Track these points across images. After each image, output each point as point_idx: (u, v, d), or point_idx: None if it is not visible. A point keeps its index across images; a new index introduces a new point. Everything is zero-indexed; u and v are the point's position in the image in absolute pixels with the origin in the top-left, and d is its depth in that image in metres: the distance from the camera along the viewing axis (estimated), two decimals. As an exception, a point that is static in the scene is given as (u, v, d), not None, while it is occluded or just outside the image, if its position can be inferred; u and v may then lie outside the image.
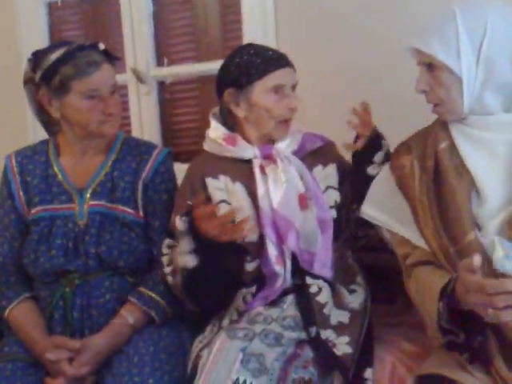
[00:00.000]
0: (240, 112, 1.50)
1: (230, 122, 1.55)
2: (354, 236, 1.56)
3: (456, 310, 1.14)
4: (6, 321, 1.49)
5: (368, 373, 1.33)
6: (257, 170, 1.48)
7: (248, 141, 1.52)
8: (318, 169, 1.54)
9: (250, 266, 1.47)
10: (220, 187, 1.51)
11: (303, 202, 1.47)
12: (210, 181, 1.51)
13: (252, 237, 1.46)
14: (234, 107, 1.50)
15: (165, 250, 1.50)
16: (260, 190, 1.46)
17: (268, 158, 1.49)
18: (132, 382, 1.31)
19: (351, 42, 1.99)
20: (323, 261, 1.45)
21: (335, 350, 1.33)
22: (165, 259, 1.48)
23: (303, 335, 1.36)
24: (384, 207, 1.35)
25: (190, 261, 1.37)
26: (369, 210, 1.38)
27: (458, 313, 1.14)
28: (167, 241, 1.50)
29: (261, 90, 1.46)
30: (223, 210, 1.47)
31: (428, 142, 1.31)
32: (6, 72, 2.43)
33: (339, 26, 2.00)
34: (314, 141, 1.57)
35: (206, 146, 1.58)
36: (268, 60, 1.46)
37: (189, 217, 1.37)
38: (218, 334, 1.34)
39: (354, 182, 1.51)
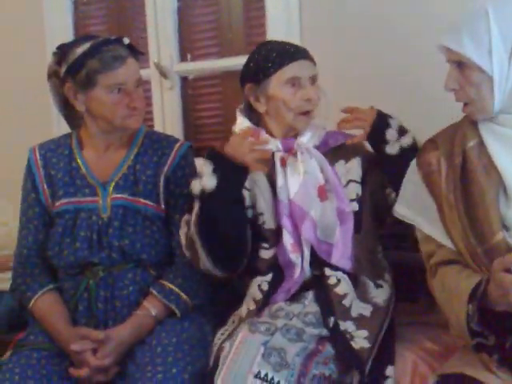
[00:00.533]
0: (260, 106, 1.52)
1: (254, 117, 1.57)
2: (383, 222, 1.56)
3: (487, 312, 1.13)
4: (31, 311, 1.52)
5: (389, 370, 1.33)
6: (278, 163, 1.50)
7: (271, 135, 1.53)
8: (340, 163, 1.54)
9: (267, 254, 1.49)
10: None
11: (323, 193, 1.48)
12: None
13: (270, 225, 1.49)
14: (254, 102, 1.53)
15: (182, 224, 1.51)
16: (279, 182, 1.49)
17: (290, 151, 1.51)
18: (155, 372, 1.33)
19: (376, 37, 1.97)
20: (342, 252, 1.46)
21: (353, 343, 1.33)
22: (182, 232, 1.49)
23: (324, 332, 1.36)
24: (412, 205, 1.34)
25: (210, 182, 1.40)
26: (399, 208, 1.37)
27: (488, 314, 1.13)
28: (186, 216, 1.51)
29: (277, 83, 1.48)
30: (244, 195, 1.51)
31: (456, 139, 1.29)
32: (32, 66, 2.47)
33: (364, 21, 1.99)
34: (337, 137, 1.57)
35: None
36: (283, 53, 1.48)
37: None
38: (239, 326, 1.35)
39: (382, 167, 1.52)
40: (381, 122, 1.48)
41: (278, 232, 1.49)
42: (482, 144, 1.26)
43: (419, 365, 1.37)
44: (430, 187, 1.30)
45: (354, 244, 1.48)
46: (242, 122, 1.57)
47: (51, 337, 1.47)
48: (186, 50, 2.42)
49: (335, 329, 1.35)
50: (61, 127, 2.26)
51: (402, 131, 1.48)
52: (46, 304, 1.50)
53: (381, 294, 1.47)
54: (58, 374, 1.41)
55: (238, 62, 2.29)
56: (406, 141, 1.47)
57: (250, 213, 1.53)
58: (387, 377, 1.32)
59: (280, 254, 1.48)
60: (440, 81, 1.29)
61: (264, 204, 1.51)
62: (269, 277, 1.48)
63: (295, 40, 1.99)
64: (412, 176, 1.35)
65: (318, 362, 1.30)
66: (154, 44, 2.39)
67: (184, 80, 2.45)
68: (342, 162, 1.54)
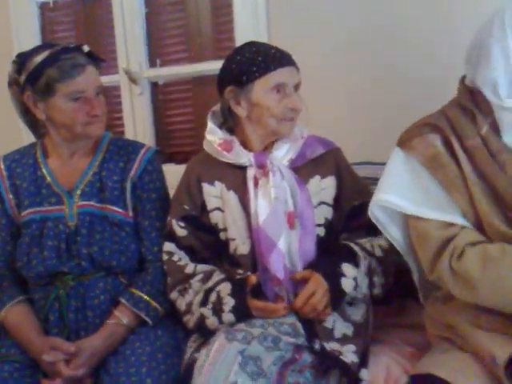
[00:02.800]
0: (241, 111, 1.46)
1: (231, 120, 1.52)
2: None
3: None
4: (1, 324, 1.50)
5: (363, 373, 1.33)
6: (250, 183, 1.45)
7: (248, 140, 1.49)
8: (315, 180, 1.49)
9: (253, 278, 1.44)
10: (215, 194, 1.50)
11: (291, 220, 1.43)
12: (206, 187, 1.51)
13: (242, 251, 1.45)
14: (234, 105, 1.46)
15: (165, 256, 1.51)
16: (252, 206, 1.44)
17: (262, 167, 1.45)
18: (130, 382, 1.32)
19: (342, 40, 2.01)
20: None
21: (343, 358, 1.32)
22: (175, 296, 1.47)
23: (301, 340, 1.33)
24: (408, 194, 1.30)
25: (230, 318, 1.37)
26: (392, 198, 1.31)
27: None
28: (167, 244, 1.51)
29: (262, 89, 1.42)
30: (216, 217, 1.48)
31: (457, 122, 1.28)
32: (0, 74, 2.43)
33: (330, 25, 2.01)
34: (316, 148, 1.51)
35: (205, 146, 1.55)
36: (269, 58, 1.42)
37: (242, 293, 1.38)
38: (215, 335, 1.32)
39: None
40: (333, 281, 1.37)
41: (251, 257, 1.44)
42: (496, 124, 1.25)
43: (392, 367, 1.38)
44: (435, 170, 1.27)
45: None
46: (212, 130, 1.52)
47: (23, 348, 1.44)
48: (156, 55, 2.42)
49: (322, 351, 1.33)
50: (30, 137, 2.24)
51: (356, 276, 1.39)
52: (17, 315, 1.48)
53: (356, 311, 1.44)
54: (31, 387, 1.38)
55: (208, 67, 2.32)
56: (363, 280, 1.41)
57: (222, 236, 1.49)
58: (361, 380, 1.32)
59: (263, 284, 1.41)
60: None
61: (235, 229, 1.46)
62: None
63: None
64: (404, 166, 1.31)
65: (294, 371, 1.29)
66: (123, 50, 2.38)
67: (154, 85, 2.44)
68: (317, 177, 1.49)
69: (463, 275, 1.21)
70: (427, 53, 1.87)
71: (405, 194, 1.30)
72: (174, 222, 1.52)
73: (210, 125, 1.53)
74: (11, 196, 1.55)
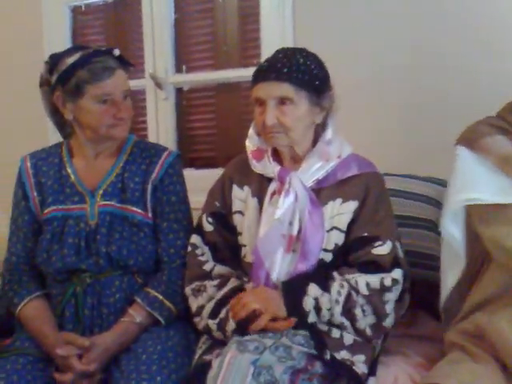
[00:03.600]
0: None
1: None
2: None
3: None
4: (18, 318, 1.53)
5: (371, 382, 1.34)
6: (267, 197, 1.46)
7: (276, 156, 1.50)
8: (336, 203, 1.44)
9: (249, 287, 1.46)
10: (241, 198, 1.52)
11: (290, 244, 1.42)
12: (235, 189, 1.54)
13: (249, 259, 1.46)
14: None
15: (189, 248, 1.54)
16: (262, 221, 1.45)
17: (282, 183, 1.44)
18: (140, 379, 1.33)
19: (370, 50, 2.01)
20: None
21: (355, 368, 1.32)
22: (189, 293, 1.50)
23: (313, 351, 1.33)
24: (488, 189, 1.28)
25: (233, 337, 1.37)
26: (472, 195, 1.28)
27: None
28: (193, 237, 1.54)
29: (253, 101, 1.47)
30: (237, 220, 1.51)
31: None
32: (30, 75, 2.48)
33: (358, 34, 2.03)
34: (349, 169, 1.46)
35: (247, 149, 1.56)
36: (255, 73, 1.45)
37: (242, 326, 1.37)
38: (227, 346, 1.31)
39: None
40: (292, 297, 1.37)
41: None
42: None
43: (400, 376, 1.39)
44: (510, 170, 1.27)
45: None
46: (250, 136, 1.53)
47: (37, 342, 1.47)
48: (182, 61, 2.46)
49: (333, 361, 1.33)
50: (56, 136, 2.29)
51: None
52: (33, 310, 1.51)
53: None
54: (43, 380, 1.41)
55: (233, 74, 2.35)
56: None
57: (240, 240, 1.51)
58: None
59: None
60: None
61: (248, 235, 1.48)
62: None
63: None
64: (476, 165, 1.30)
65: (304, 379, 1.29)
66: (150, 55, 2.43)
67: (179, 91, 2.48)
68: (338, 200, 1.44)
69: None
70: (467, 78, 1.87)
71: (484, 189, 1.28)
72: (204, 216, 1.56)
73: (251, 130, 1.54)
74: (35, 194, 1.59)
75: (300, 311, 1.36)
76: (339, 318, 1.37)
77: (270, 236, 1.42)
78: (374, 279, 1.38)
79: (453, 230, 1.34)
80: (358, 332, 1.38)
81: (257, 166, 1.51)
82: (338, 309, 1.36)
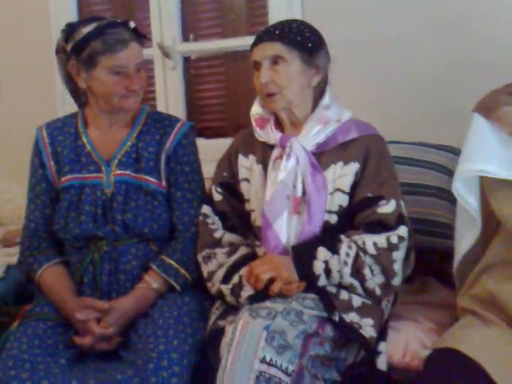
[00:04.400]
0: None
1: None
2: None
3: None
4: (37, 283, 1.56)
5: (381, 346, 1.37)
6: (271, 163, 1.50)
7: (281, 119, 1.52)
8: (337, 166, 1.47)
9: (261, 251, 1.50)
10: (246, 166, 1.56)
11: (296, 205, 1.45)
12: (241, 158, 1.58)
13: (259, 223, 1.49)
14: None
15: (200, 218, 1.58)
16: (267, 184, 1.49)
17: (283, 148, 1.48)
18: (157, 343, 1.36)
19: (382, 20, 1.99)
20: None
21: (362, 332, 1.35)
22: (200, 260, 1.53)
23: (324, 313, 1.36)
24: (502, 161, 1.28)
25: (246, 303, 1.40)
26: (485, 167, 1.28)
27: None
28: (204, 207, 1.58)
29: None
30: (243, 187, 1.54)
31: None
32: (37, 45, 2.49)
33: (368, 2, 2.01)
34: (349, 133, 1.49)
35: (251, 118, 1.59)
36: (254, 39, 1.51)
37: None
38: (240, 313, 1.34)
39: None
40: (302, 262, 1.40)
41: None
42: None
43: (411, 341, 1.41)
44: None
45: None
46: (255, 104, 1.57)
47: (57, 307, 1.51)
48: (189, 30, 2.44)
49: (342, 322, 1.35)
50: (65, 107, 2.30)
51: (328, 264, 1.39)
52: (52, 276, 1.54)
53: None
54: (63, 343, 1.45)
55: (241, 42, 2.33)
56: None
57: (247, 206, 1.55)
58: (380, 352, 1.36)
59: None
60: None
61: (255, 201, 1.52)
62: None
63: (297, 18, 2.01)
64: (491, 134, 1.29)
65: (315, 343, 1.32)
66: (157, 24, 2.42)
67: (186, 60, 2.47)
68: (340, 163, 1.47)
69: None
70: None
71: (498, 161, 1.28)
72: (213, 187, 1.60)
73: (256, 100, 1.58)
74: (52, 162, 1.61)
75: (310, 275, 1.39)
76: (349, 279, 1.40)
77: (275, 198, 1.45)
78: (381, 238, 1.41)
79: (468, 196, 1.34)
80: (367, 292, 1.41)
81: (260, 135, 1.54)
82: (347, 270, 1.39)
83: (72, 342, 1.45)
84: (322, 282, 1.40)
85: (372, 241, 1.40)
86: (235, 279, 1.46)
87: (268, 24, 2.17)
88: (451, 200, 1.56)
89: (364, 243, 1.40)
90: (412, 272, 1.49)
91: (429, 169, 1.74)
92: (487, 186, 1.32)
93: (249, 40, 2.25)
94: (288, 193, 1.45)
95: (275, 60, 1.46)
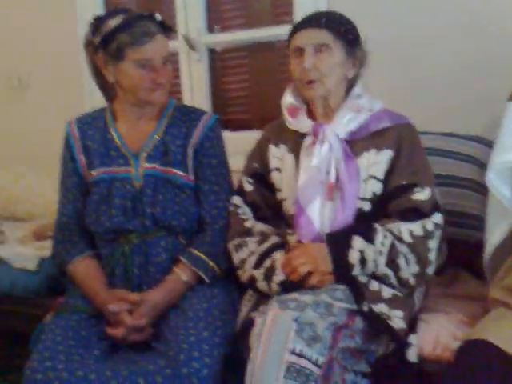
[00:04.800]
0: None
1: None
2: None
3: None
4: (70, 276, 1.59)
5: (412, 338, 1.36)
6: (303, 151, 1.50)
7: (314, 108, 1.53)
8: (370, 153, 1.47)
9: (293, 239, 1.50)
10: (277, 156, 1.57)
11: (330, 192, 1.45)
12: (271, 148, 1.58)
13: (291, 211, 1.49)
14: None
15: (231, 208, 1.59)
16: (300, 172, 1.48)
17: (316, 136, 1.48)
18: (188, 335, 1.38)
19: (404, 11, 1.96)
20: None
21: (391, 323, 1.34)
22: (231, 249, 1.54)
23: (354, 306, 1.36)
24: None
25: (277, 289, 1.41)
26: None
27: None
28: (235, 198, 1.59)
29: (290, 53, 1.51)
30: (275, 177, 1.54)
31: None
32: (65, 39, 2.51)
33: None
34: (382, 121, 1.49)
35: (282, 110, 1.59)
36: (295, 24, 1.51)
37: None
38: (269, 304, 1.34)
39: None
40: (338, 252, 1.39)
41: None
42: None
43: (442, 333, 1.40)
44: None
45: None
46: (285, 95, 1.57)
47: (89, 299, 1.54)
48: (214, 21, 2.44)
49: (371, 312, 1.35)
50: (93, 101, 2.32)
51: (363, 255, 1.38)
52: (85, 269, 1.57)
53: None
54: (96, 335, 1.47)
55: (266, 33, 2.32)
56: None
57: (279, 195, 1.55)
58: (410, 344, 1.35)
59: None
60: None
61: (287, 189, 1.52)
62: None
63: (322, 8, 1.99)
64: None
65: (346, 335, 1.32)
66: (182, 16, 2.41)
67: (212, 52, 2.47)
68: (373, 151, 1.47)
69: None
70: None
71: None
72: (244, 178, 1.61)
73: (287, 88, 1.58)
74: (82, 156, 1.63)
75: (346, 265, 1.38)
76: (383, 269, 1.39)
77: (308, 183, 1.46)
78: (417, 226, 1.40)
79: (501, 187, 1.34)
80: (400, 282, 1.40)
81: (292, 123, 1.54)
82: (382, 259, 1.38)
83: (105, 333, 1.47)
84: (356, 271, 1.39)
85: (408, 229, 1.40)
86: (267, 263, 1.45)
87: (293, 15, 2.16)
88: (482, 192, 1.54)
89: (400, 231, 1.40)
90: (443, 264, 1.48)
91: (459, 160, 1.71)
92: None
93: (274, 30, 2.27)
94: (321, 179, 1.46)
95: (320, 48, 1.46)
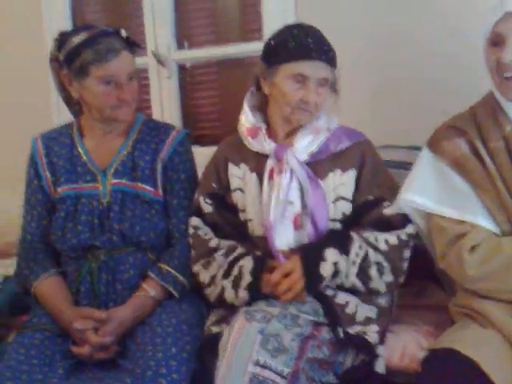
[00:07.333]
0: (265, 87, 1.51)
1: (261, 93, 1.55)
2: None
3: None
4: (34, 295, 1.56)
5: (380, 350, 1.37)
6: (266, 175, 1.49)
7: (273, 124, 1.53)
8: (336, 174, 1.49)
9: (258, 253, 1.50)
10: (239, 175, 1.55)
11: (297, 222, 1.47)
12: (231, 167, 1.57)
13: (258, 232, 1.50)
14: (262, 80, 1.52)
15: (191, 230, 1.56)
16: (264, 196, 1.48)
17: (279, 160, 1.48)
18: (156, 351, 1.37)
19: (376, 15, 2.00)
20: None
21: (367, 337, 1.36)
22: (198, 269, 1.52)
23: (321, 319, 1.37)
24: (435, 196, 1.36)
25: (244, 296, 1.42)
26: (415, 198, 1.39)
27: None
28: (193, 219, 1.57)
29: (283, 74, 1.45)
30: (237, 197, 1.53)
31: (483, 123, 1.33)
32: (31, 55, 2.48)
33: (358, 8, 2.02)
34: (341, 141, 1.51)
35: (239, 128, 1.59)
36: (299, 48, 1.43)
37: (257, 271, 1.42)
38: (235, 317, 1.35)
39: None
40: (310, 264, 1.40)
41: (266, 239, 1.48)
42: None
43: (409, 344, 1.42)
44: (463, 173, 1.33)
45: None
46: (245, 112, 1.56)
47: (54, 317, 1.51)
48: (183, 37, 2.44)
49: (347, 335, 1.36)
50: (61, 116, 2.30)
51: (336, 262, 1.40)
52: (49, 287, 1.54)
53: (380, 296, 1.46)
54: (61, 354, 1.44)
55: (235, 49, 2.34)
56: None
57: (242, 216, 1.54)
58: (378, 356, 1.36)
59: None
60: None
61: (252, 210, 1.51)
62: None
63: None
64: (431, 167, 1.37)
65: (313, 346, 1.32)
66: (151, 32, 2.41)
67: (181, 68, 2.47)
68: (338, 171, 1.49)
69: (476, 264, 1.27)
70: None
71: (429, 194, 1.36)
72: (201, 198, 1.58)
73: (245, 107, 1.57)
74: (48, 173, 1.61)
75: (317, 277, 1.39)
76: (353, 280, 1.41)
77: (281, 218, 1.46)
78: (391, 236, 1.44)
79: (418, 220, 1.44)
80: (370, 291, 1.43)
81: (252, 144, 1.53)
82: (355, 269, 1.40)
83: (70, 352, 1.45)
84: (325, 282, 1.40)
85: (384, 238, 1.43)
86: (235, 271, 1.45)
87: (262, 32, 2.18)
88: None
89: (376, 239, 1.43)
90: (410, 275, 1.50)
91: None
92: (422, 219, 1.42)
93: (244, 47, 2.30)
94: (289, 211, 1.46)
95: (321, 81, 1.46)
